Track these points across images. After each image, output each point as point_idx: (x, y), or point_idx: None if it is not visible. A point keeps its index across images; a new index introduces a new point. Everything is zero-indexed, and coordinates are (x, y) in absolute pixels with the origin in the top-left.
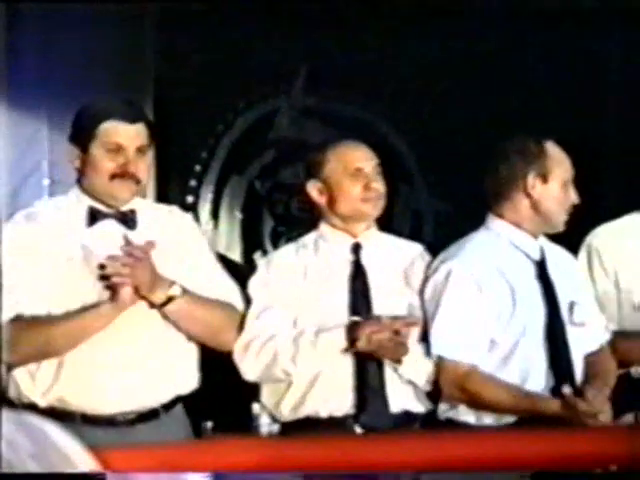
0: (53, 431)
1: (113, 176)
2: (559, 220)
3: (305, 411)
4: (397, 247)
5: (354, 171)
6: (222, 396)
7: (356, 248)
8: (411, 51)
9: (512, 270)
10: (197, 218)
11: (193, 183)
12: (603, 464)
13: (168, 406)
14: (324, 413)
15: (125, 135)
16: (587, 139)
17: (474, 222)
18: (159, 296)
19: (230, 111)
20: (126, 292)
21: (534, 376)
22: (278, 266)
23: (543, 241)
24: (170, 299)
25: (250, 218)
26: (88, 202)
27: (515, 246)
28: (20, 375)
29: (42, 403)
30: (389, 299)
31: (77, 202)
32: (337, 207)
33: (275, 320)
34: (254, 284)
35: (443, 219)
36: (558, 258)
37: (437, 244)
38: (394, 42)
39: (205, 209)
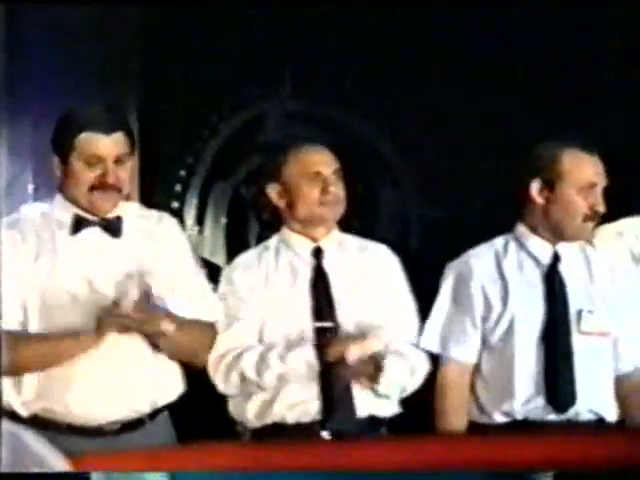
0: (28, 437)
1: (92, 188)
2: (573, 227)
3: (272, 417)
4: (360, 249)
5: (312, 175)
6: (207, 402)
7: (317, 252)
8: (398, 54)
9: (512, 271)
10: (182, 223)
11: (178, 188)
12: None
13: (153, 415)
14: (291, 419)
15: (102, 146)
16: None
17: (462, 226)
18: (150, 330)
19: (215, 116)
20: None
21: (522, 379)
22: (240, 274)
23: (566, 245)
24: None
25: (235, 223)
26: (72, 210)
27: (525, 249)
28: (5, 385)
29: (24, 413)
30: (353, 303)
31: (62, 209)
32: (296, 211)
33: (242, 333)
34: (220, 293)
35: (430, 223)
36: (582, 263)
37: (424, 248)
38: (380, 45)
39: (190, 214)
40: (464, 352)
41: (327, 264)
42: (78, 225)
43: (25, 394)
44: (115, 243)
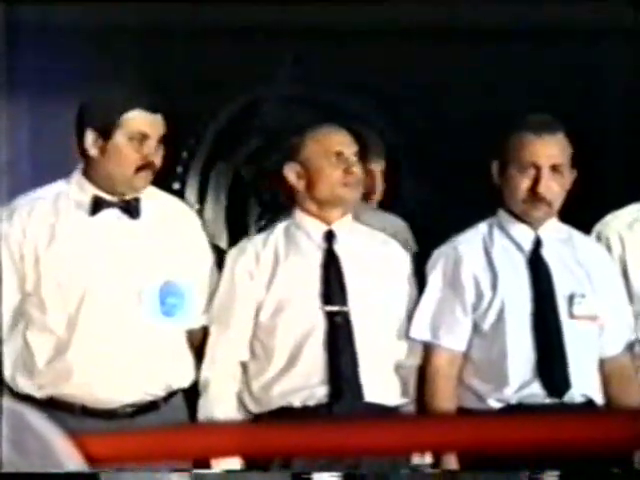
0: (32, 416)
1: (139, 168)
2: (528, 207)
3: (278, 401)
4: (372, 238)
5: (335, 155)
6: None
7: (329, 236)
8: (398, 37)
9: (499, 257)
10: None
11: (179, 170)
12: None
13: (167, 398)
14: (297, 402)
15: (150, 124)
16: (589, 129)
17: (460, 211)
18: None
19: (216, 98)
20: None
21: (515, 365)
22: (244, 261)
23: (548, 230)
24: None
25: (236, 205)
26: (92, 190)
27: (508, 235)
28: (17, 371)
29: (39, 395)
30: (363, 290)
31: (79, 190)
32: (315, 191)
33: (231, 349)
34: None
35: (429, 208)
36: (566, 248)
37: (421, 233)
38: (381, 28)
39: (191, 195)
40: (455, 340)
41: (339, 248)
42: (97, 206)
43: (39, 377)
44: (133, 224)
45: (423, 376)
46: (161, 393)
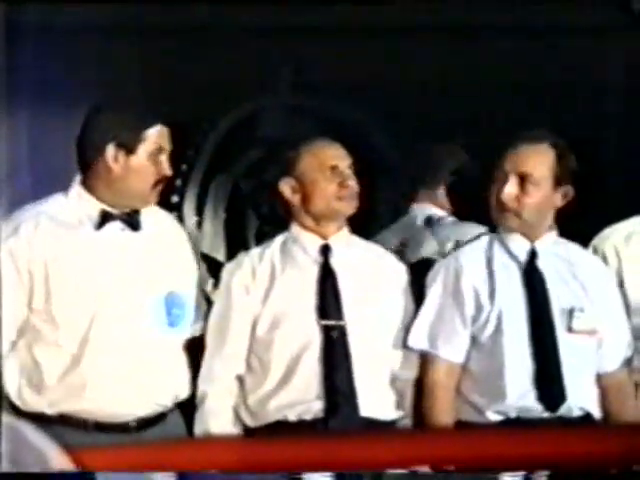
0: (29, 431)
1: (155, 183)
2: (498, 217)
3: (274, 415)
4: (368, 251)
5: (329, 169)
6: None
7: (325, 250)
8: (398, 48)
9: (498, 269)
10: (182, 217)
11: (178, 182)
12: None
13: (172, 409)
14: (293, 417)
15: (165, 138)
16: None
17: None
18: None
19: (216, 109)
20: None
21: (513, 377)
22: (240, 275)
23: (544, 243)
24: None
25: (235, 218)
26: (97, 204)
27: (505, 246)
28: (24, 388)
29: (50, 411)
30: (360, 304)
31: (83, 204)
32: (311, 205)
33: (227, 363)
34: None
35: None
36: (563, 262)
37: None
38: (380, 39)
39: (190, 208)
40: (453, 351)
41: (335, 262)
42: (104, 220)
43: (50, 393)
44: (135, 237)
45: (420, 389)
46: (169, 404)
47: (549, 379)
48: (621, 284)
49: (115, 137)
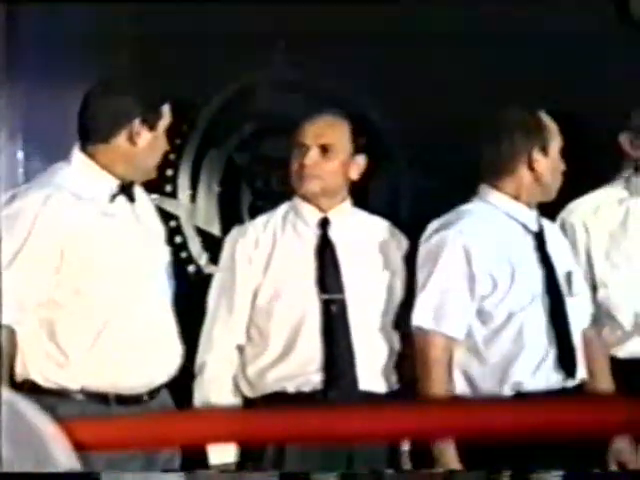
0: (22, 404)
1: (165, 156)
2: (556, 189)
3: (272, 387)
4: (369, 224)
5: (298, 145)
6: None
7: (323, 223)
8: (395, 23)
9: (511, 243)
10: (176, 191)
11: (172, 156)
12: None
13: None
14: (292, 388)
15: (170, 114)
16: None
17: (454, 197)
18: None
19: (209, 84)
20: None
21: (529, 349)
22: (244, 244)
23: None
24: None
25: (229, 192)
26: (111, 178)
27: (513, 218)
28: (45, 364)
29: (74, 386)
30: (360, 278)
31: (99, 176)
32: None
33: (228, 332)
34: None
35: (422, 194)
36: (551, 229)
37: (414, 220)
38: (377, 13)
39: (184, 182)
40: (456, 327)
41: (334, 235)
42: (117, 193)
43: (73, 369)
44: (134, 208)
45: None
46: (176, 373)
47: (566, 349)
48: (589, 256)
49: (140, 113)
